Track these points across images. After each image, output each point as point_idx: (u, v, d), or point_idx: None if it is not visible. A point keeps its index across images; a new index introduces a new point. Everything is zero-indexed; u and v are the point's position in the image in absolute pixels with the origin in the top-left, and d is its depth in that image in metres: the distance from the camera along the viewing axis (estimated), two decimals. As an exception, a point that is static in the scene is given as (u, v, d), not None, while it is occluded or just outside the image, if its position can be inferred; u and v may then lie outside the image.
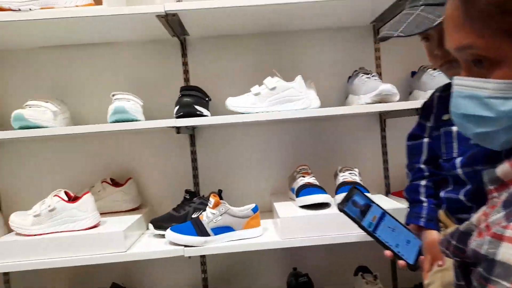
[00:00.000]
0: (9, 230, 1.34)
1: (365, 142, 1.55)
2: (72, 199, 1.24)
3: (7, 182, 1.50)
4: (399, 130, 1.54)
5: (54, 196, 1.21)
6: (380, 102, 1.25)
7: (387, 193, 1.53)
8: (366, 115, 1.54)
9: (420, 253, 0.83)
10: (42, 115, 1.22)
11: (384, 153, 1.55)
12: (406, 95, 1.49)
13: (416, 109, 1.25)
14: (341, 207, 0.80)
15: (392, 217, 0.85)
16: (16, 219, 1.20)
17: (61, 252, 1.15)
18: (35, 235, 1.18)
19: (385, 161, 1.55)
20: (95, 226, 1.23)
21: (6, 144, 1.49)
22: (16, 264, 1.15)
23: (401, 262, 0.79)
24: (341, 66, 1.52)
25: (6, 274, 1.50)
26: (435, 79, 1.31)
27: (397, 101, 1.26)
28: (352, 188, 0.85)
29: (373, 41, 1.53)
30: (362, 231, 0.80)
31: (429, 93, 1.30)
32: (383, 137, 1.55)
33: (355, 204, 0.82)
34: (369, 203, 0.84)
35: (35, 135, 1.19)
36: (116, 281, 1.45)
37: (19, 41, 1.40)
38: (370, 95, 1.25)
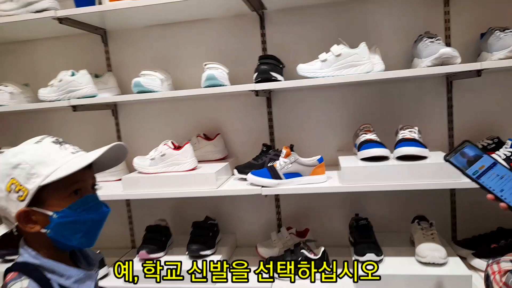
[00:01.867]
0: (130, 171, 1.76)
1: (430, 103, 1.64)
2: (176, 147, 1.59)
3: (128, 134, 1.92)
4: (466, 91, 1.60)
5: (164, 145, 1.57)
6: (441, 65, 1.34)
7: (450, 151, 1.62)
8: (431, 77, 1.61)
9: None
10: (153, 82, 1.56)
11: (450, 114, 1.63)
12: (475, 57, 1.53)
13: (478, 71, 1.32)
14: (447, 158, 0.95)
15: (505, 166, 0.94)
16: (138, 161, 1.60)
17: (169, 187, 1.52)
18: (151, 173, 1.56)
19: (450, 121, 1.63)
20: (193, 169, 1.57)
21: (127, 106, 1.90)
22: (137, 194, 1.54)
23: (502, 205, 0.90)
24: (410, 30, 1.59)
25: (128, 200, 1.96)
26: (501, 40, 1.34)
27: (462, 63, 1.33)
28: (464, 141, 0.96)
29: (442, 3, 1.57)
30: (468, 179, 0.93)
31: (495, 54, 1.35)
32: (449, 99, 1.62)
33: (463, 155, 0.95)
34: (481, 155, 0.95)
35: (150, 98, 1.54)
36: (208, 215, 1.81)
37: (131, 21, 1.75)
38: (430, 58, 1.34)
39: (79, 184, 0.86)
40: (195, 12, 1.66)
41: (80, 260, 0.93)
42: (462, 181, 1.28)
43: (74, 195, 0.85)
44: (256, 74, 1.47)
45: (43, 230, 0.82)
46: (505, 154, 1.34)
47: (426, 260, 1.38)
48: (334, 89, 1.70)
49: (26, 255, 0.84)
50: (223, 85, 1.49)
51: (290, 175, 1.43)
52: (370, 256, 1.42)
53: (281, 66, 1.55)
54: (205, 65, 1.53)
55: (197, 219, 1.76)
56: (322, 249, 1.49)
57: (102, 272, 1.64)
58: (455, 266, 1.37)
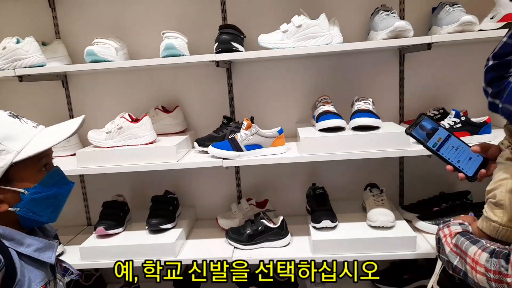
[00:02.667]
0: (83, 146, 1.69)
1: (384, 75, 1.71)
2: (134, 120, 1.54)
3: (80, 107, 1.83)
4: (416, 64, 1.68)
5: (120, 117, 1.51)
6: (395, 38, 1.39)
7: (401, 121, 1.72)
8: (386, 50, 1.67)
9: (480, 167, 0.95)
10: (108, 50, 1.48)
11: (401, 86, 1.71)
12: (427, 31, 1.61)
13: (428, 44, 1.39)
14: (409, 130, 0.98)
15: (458, 138, 1.00)
16: (93, 134, 1.53)
17: (128, 161, 1.47)
18: (107, 147, 1.51)
19: (401, 93, 1.71)
20: (152, 142, 1.53)
21: (78, 76, 1.80)
22: (92, 168, 1.48)
23: (460, 175, 0.95)
24: (367, 3, 1.63)
25: (81, 176, 1.88)
26: (450, 15, 1.41)
27: (414, 36, 1.39)
28: (420, 114, 1.00)
29: (397, -22, 1.62)
30: (428, 151, 0.97)
31: (444, 28, 1.42)
32: (401, 71, 1.70)
33: (423, 128, 0.99)
34: (436, 127, 0.99)
35: (104, 68, 1.46)
36: (168, 189, 1.79)
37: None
38: (386, 31, 1.39)
39: (47, 158, 0.86)
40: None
41: (38, 234, 0.91)
42: (410, 149, 1.36)
43: (43, 171, 0.84)
44: (216, 44, 1.44)
45: (11, 209, 0.80)
46: (449, 124, 1.44)
47: (376, 224, 1.47)
48: (293, 60, 1.72)
49: None
50: (183, 55, 1.45)
51: (251, 146, 1.45)
52: (326, 222, 1.49)
53: (241, 36, 1.53)
54: (163, 34, 1.48)
55: (156, 193, 1.74)
56: (281, 218, 1.54)
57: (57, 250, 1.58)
58: (401, 228, 1.48)
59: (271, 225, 1.53)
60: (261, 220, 1.53)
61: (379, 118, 1.45)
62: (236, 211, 1.71)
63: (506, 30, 0.90)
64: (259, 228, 1.52)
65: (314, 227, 1.51)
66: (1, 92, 1.81)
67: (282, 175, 1.82)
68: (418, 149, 1.36)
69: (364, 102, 1.50)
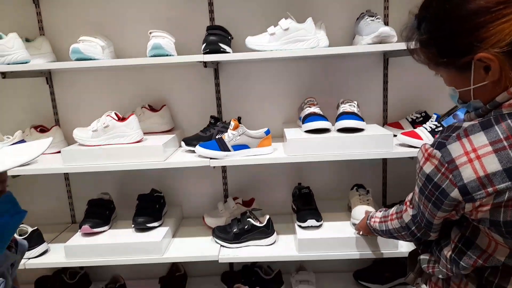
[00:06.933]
0: (68, 144, 1.68)
1: (368, 78, 1.74)
2: (121, 119, 1.53)
3: (65, 104, 1.81)
4: (400, 68, 1.72)
5: (106, 115, 1.51)
6: (380, 43, 1.43)
7: (384, 123, 1.76)
8: (371, 54, 1.71)
9: None
10: (94, 48, 1.47)
11: (385, 89, 1.75)
12: (409, 36, 1.65)
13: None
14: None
15: None
16: (78, 133, 1.52)
17: (114, 159, 1.47)
18: (93, 145, 1.50)
19: (385, 96, 1.76)
20: (139, 141, 1.53)
21: (63, 74, 1.78)
22: (78, 167, 1.47)
23: None
24: (353, 8, 1.66)
25: (66, 174, 1.87)
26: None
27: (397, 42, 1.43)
28: (456, 106, 1.01)
29: (382, -16, 1.66)
30: None
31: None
32: (385, 75, 1.74)
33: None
34: None
35: (90, 66, 1.45)
36: (154, 187, 1.80)
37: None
38: (371, 36, 1.43)
39: (1, 184, 0.75)
40: (138, -25, 1.57)
41: None
42: (393, 151, 1.41)
43: None
44: (204, 44, 1.45)
45: None
46: (430, 127, 1.49)
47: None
48: (280, 62, 1.74)
49: None
50: (170, 55, 1.46)
51: (238, 147, 1.47)
52: (311, 222, 1.52)
53: (229, 37, 1.54)
54: (151, 33, 1.47)
55: (142, 192, 1.74)
56: (267, 217, 1.57)
57: (40, 249, 1.57)
58: (385, 227, 1.52)
59: (258, 224, 1.55)
60: (248, 219, 1.56)
61: (363, 120, 1.48)
62: (222, 209, 1.72)
63: None
64: (246, 227, 1.54)
65: (300, 226, 1.54)
66: (-17, 88, 1.77)
67: (269, 174, 1.85)
68: (401, 151, 1.41)
69: (349, 105, 1.54)
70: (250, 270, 1.77)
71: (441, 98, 1.71)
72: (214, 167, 1.48)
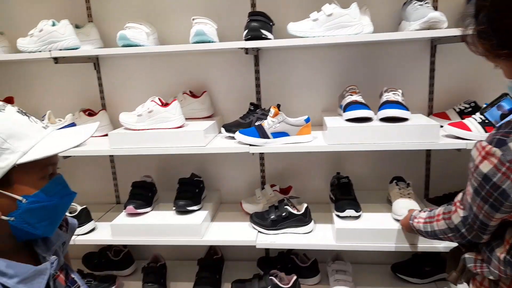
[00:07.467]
0: (115, 127, 1.74)
1: (414, 66, 1.68)
2: (164, 104, 1.57)
3: (111, 89, 1.88)
4: (448, 56, 1.64)
5: (151, 101, 1.55)
6: (428, 29, 1.36)
7: (429, 114, 1.69)
8: (417, 41, 1.64)
9: None
10: (140, 35, 1.51)
11: (432, 77, 1.68)
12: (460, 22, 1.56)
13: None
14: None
15: None
16: (124, 117, 1.58)
17: (157, 143, 1.52)
18: (138, 129, 1.55)
19: (431, 85, 1.68)
20: (181, 126, 1.57)
21: (109, 60, 1.84)
22: (123, 149, 1.53)
23: None
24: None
25: (111, 156, 1.95)
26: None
27: (447, 27, 1.36)
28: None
29: (433, -34, 1.57)
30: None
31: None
32: (432, 62, 1.66)
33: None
34: None
35: (136, 52, 1.50)
36: (194, 172, 1.84)
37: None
38: (419, 21, 1.36)
39: (53, 167, 0.76)
40: (182, -38, 1.59)
41: (37, 244, 0.79)
42: (439, 143, 1.35)
43: (45, 178, 0.74)
44: (246, 31, 1.44)
45: (4, 218, 0.69)
46: (480, 118, 1.41)
47: (401, 218, 1.46)
48: (321, 49, 1.71)
49: None
50: (212, 41, 1.47)
51: (277, 134, 1.47)
52: (350, 212, 1.51)
53: (271, 24, 1.53)
54: (193, 19, 1.49)
55: (183, 176, 1.79)
56: (305, 205, 1.57)
57: (88, 226, 1.67)
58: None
59: (295, 212, 1.55)
60: (285, 206, 1.56)
61: (408, 110, 1.43)
62: (260, 196, 1.74)
63: None
64: (283, 214, 1.55)
65: (338, 216, 1.53)
66: (36, 72, 1.88)
67: (307, 163, 1.84)
68: (448, 143, 1.35)
69: (393, 93, 1.49)
70: (286, 257, 1.78)
71: (492, 88, 1.61)
72: (253, 154, 1.49)
